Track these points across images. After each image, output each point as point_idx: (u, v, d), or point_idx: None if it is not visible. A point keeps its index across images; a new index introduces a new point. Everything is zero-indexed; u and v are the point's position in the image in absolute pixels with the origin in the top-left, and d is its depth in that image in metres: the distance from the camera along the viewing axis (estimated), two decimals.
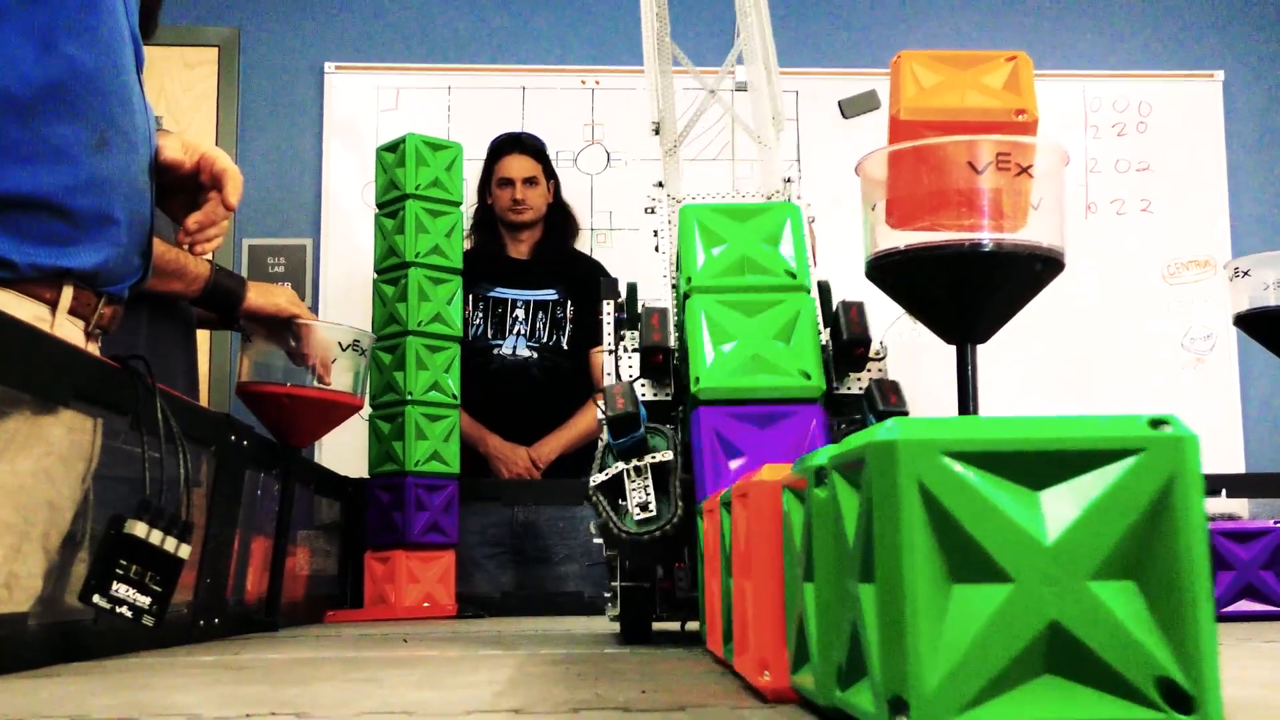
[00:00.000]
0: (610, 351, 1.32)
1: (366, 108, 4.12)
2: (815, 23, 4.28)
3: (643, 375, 1.23)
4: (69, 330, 1.36)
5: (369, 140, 4.06)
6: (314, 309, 4.00)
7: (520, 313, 3.32)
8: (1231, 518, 2.23)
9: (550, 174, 3.41)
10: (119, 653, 1.19)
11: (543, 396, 3.19)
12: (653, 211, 1.44)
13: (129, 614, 1.07)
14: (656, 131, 1.42)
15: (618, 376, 1.26)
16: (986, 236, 0.92)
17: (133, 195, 1.40)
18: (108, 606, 1.06)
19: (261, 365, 1.70)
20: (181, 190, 1.48)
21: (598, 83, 4.14)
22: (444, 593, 2.32)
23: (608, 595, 1.34)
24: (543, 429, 3.12)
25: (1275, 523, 1.63)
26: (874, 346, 1.20)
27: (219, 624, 1.51)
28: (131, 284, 1.45)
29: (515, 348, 3.24)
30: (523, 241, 3.37)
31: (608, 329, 1.33)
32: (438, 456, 2.35)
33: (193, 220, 1.44)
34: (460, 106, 4.11)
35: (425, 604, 2.28)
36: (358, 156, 4.06)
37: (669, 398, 1.23)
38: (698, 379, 1.10)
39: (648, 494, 1.13)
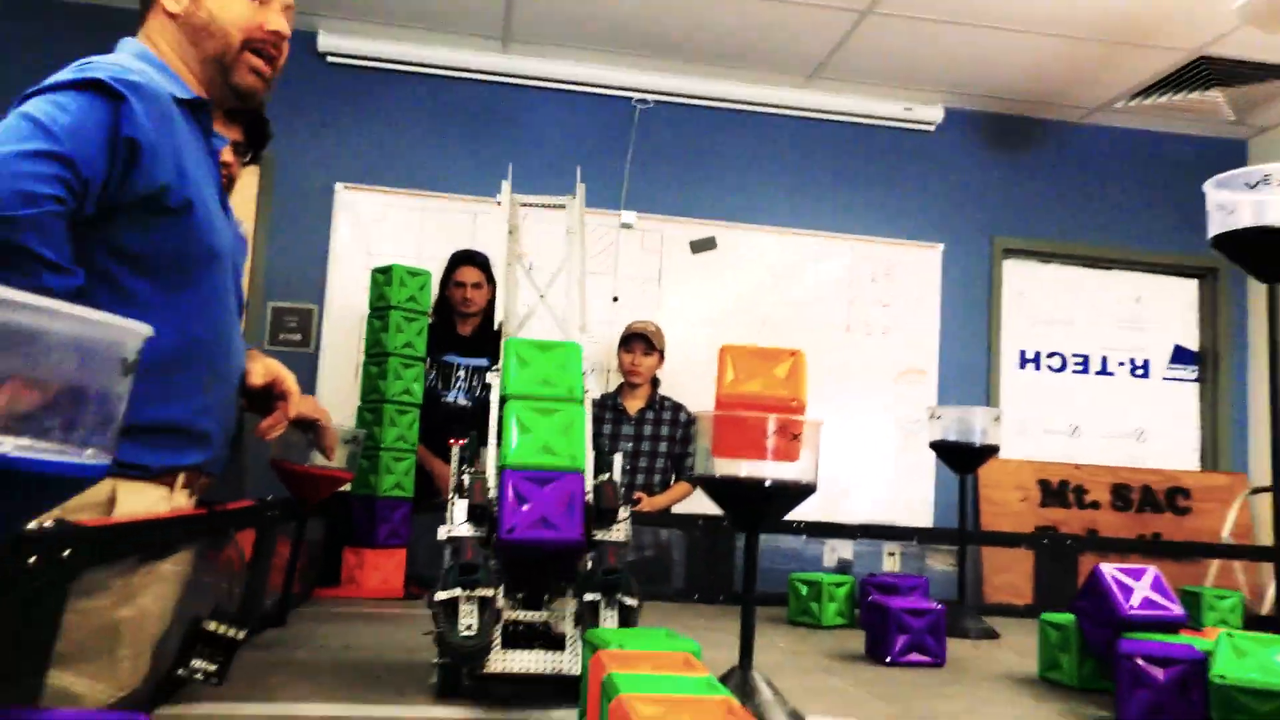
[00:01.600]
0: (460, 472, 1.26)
1: (364, 220, 4.16)
2: (674, 184, 4.45)
3: (470, 520, 1.20)
4: (181, 499, 1.43)
5: (363, 242, 4.10)
6: (314, 365, 4.02)
7: (461, 373, 3.41)
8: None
9: (491, 280, 3.51)
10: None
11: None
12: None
13: (201, 678, 1.14)
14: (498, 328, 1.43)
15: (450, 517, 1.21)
16: (769, 474, 1.07)
17: (226, 413, 1.48)
18: (186, 675, 1.12)
19: (288, 448, 1.74)
20: (261, 397, 1.56)
21: (526, 215, 4.25)
22: (396, 579, 2.38)
23: (433, 663, 1.26)
24: None
25: (939, 605, 1.77)
26: (620, 514, 1.23)
27: (253, 629, 1.57)
28: (221, 469, 1.54)
29: (456, 398, 3.33)
30: (468, 324, 3.47)
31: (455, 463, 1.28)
32: (399, 486, 2.41)
33: (264, 425, 1.53)
34: (429, 225, 4.19)
35: (383, 585, 2.34)
36: (354, 252, 4.10)
37: (483, 535, 1.20)
38: (506, 455, 1.16)
39: (472, 618, 1.15)
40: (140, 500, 1.34)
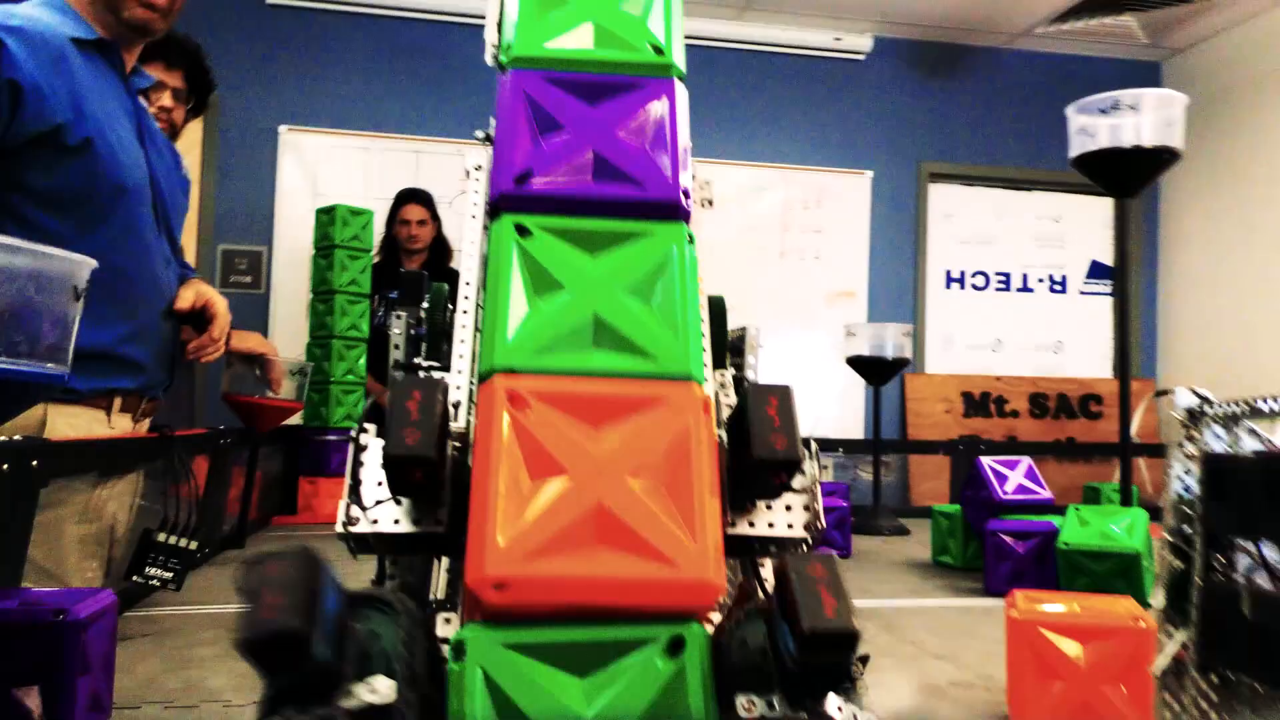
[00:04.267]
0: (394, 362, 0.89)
1: (309, 161, 4.17)
2: None
3: (396, 494, 0.52)
4: (121, 422, 1.48)
5: (309, 183, 4.12)
6: (265, 305, 4.06)
7: None
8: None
9: (435, 217, 3.55)
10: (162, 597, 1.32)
11: None
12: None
13: (158, 584, 1.23)
14: None
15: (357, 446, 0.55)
16: None
17: (155, 340, 1.50)
18: (142, 581, 1.20)
19: (237, 381, 1.80)
20: (195, 322, 1.58)
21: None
22: None
23: None
24: None
25: (845, 503, 1.92)
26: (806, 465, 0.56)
27: (210, 552, 1.66)
28: (163, 389, 1.56)
29: None
30: (414, 261, 3.52)
31: (396, 337, 0.89)
32: (349, 417, 2.51)
33: (192, 346, 1.56)
34: (373, 165, 4.20)
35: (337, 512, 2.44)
36: (300, 193, 4.11)
37: (440, 528, 0.53)
38: (509, 46, 0.57)
39: None
40: (73, 422, 1.38)
